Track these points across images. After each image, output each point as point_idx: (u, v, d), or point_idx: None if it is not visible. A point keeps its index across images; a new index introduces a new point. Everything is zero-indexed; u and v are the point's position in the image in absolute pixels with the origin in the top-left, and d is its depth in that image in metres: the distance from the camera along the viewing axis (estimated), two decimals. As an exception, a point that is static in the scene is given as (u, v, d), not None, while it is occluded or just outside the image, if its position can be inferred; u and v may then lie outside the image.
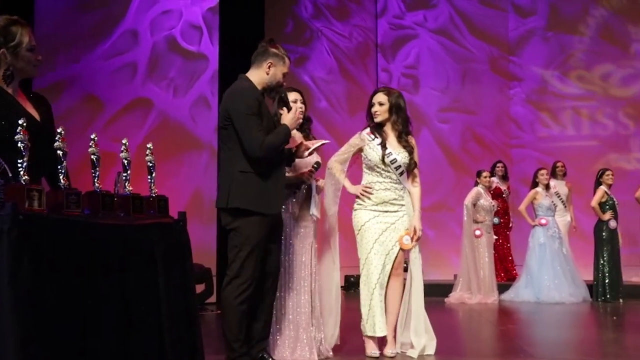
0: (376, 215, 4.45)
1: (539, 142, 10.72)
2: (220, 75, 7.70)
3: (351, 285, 9.21)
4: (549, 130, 10.76)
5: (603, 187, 8.44)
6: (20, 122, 2.33)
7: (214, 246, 7.51)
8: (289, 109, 3.91)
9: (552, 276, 8.17)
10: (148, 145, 2.91)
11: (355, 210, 4.53)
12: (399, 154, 4.45)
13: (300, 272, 4.23)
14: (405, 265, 4.58)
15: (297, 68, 9.63)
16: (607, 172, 8.52)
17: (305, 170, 4.23)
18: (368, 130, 4.55)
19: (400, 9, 10.96)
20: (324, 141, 4.17)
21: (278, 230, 4.00)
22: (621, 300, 8.14)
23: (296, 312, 4.20)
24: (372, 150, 4.47)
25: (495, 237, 8.60)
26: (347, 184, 4.53)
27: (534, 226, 8.44)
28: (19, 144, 2.31)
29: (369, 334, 4.40)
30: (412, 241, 4.45)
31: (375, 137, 4.49)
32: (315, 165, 4.25)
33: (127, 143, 2.75)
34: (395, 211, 4.47)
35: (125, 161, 2.73)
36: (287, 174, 4.06)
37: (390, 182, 4.47)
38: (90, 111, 7.19)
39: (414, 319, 4.47)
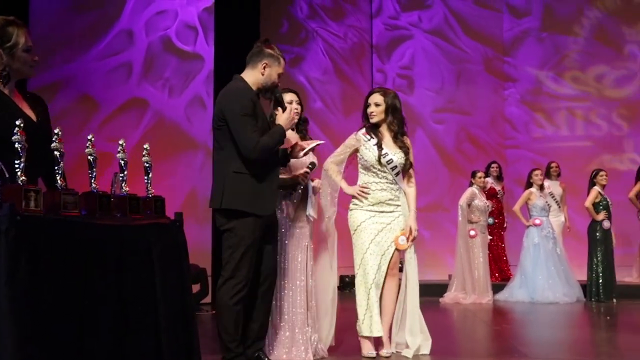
0: (372, 216, 4.46)
1: (533, 142, 10.74)
2: (215, 76, 7.70)
3: (346, 285, 9.21)
4: (544, 130, 10.79)
5: (597, 188, 8.46)
6: (17, 122, 2.33)
7: (209, 246, 7.51)
8: (284, 109, 3.89)
9: (546, 276, 8.20)
10: (145, 146, 2.90)
11: (351, 210, 4.53)
12: (395, 155, 4.45)
13: (296, 273, 4.24)
14: (400, 265, 4.59)
15: (292, 68, 9.63)
16: (601, 173, 8.55)
17: (301, 171, 4.22)
18: (364, 130, 4.55)
19: (395, 9, 10.95)
20: (318, 142, 4.15)
21: (273, 231, 3.99)
22: (614, 300, 8.17)
23: (292, 312, 4.21)
24: (368, 150, 4.47)
25: (489, 237, 8.63)
26: (344, 184, 4.54)
27: (528, 226, 8.47)
28: (16, 145, 2.30)
29: (366, 334, 4.40)
30: (407, 241, 4.46)
31: (371, 137, 4.49)
32: (310, 166, 4.24)
33: (124, 144, 2.75)
34: (391, 211, 4.48)
35: (122, 162, 2.73)
36: (282, 175, 4.06)
37: (386, 182, 4.48)
38: (85, 111, 7.19)
39: (409, 319, 4.49)
